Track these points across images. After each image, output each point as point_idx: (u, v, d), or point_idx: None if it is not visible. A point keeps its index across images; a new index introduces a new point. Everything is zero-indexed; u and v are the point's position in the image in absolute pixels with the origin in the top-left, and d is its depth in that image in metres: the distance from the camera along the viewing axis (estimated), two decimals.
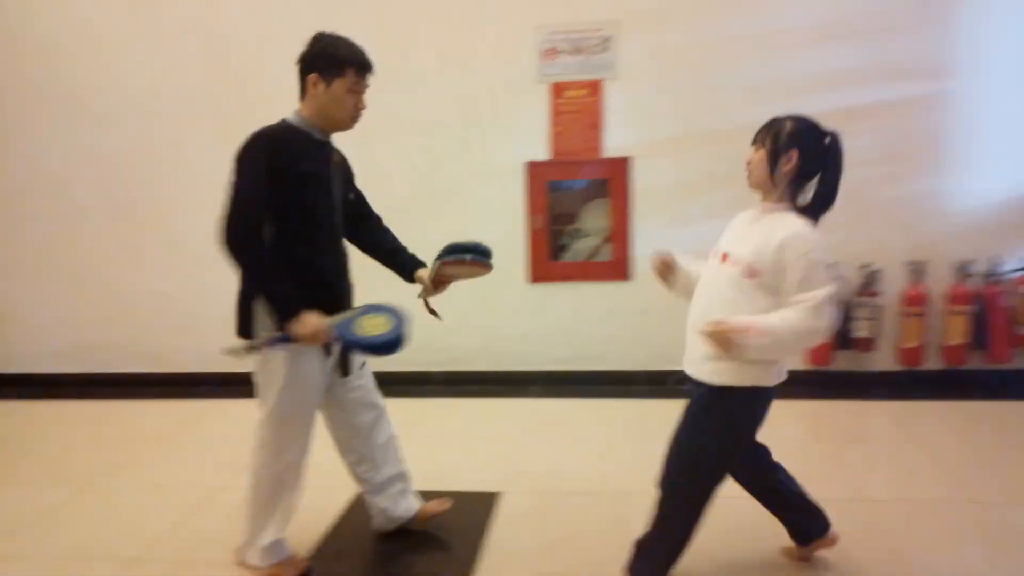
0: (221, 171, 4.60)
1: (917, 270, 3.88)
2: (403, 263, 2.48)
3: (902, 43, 3.78)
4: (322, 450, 3.50)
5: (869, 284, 3.91)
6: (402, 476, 2.57)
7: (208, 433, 3.77)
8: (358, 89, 2.17)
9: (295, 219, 2.12)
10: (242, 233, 2.04)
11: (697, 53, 3.93)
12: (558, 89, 4.06)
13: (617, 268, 4.15)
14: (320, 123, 2.19)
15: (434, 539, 2.60)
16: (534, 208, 4.17)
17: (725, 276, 1.96)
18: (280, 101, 4.14)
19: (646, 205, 4.09)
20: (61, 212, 4.48)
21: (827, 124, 4.21)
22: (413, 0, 4.08)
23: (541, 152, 4.11)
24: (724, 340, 1.82)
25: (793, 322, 1.80)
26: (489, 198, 4.16)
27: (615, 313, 4.19)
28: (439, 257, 2.29)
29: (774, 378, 1.98)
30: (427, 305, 2.41)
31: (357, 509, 2.81)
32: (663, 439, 3.38)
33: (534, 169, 4.14)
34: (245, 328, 2.17)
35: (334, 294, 2.25)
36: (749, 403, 1.98)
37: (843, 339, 3.96)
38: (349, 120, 2.21)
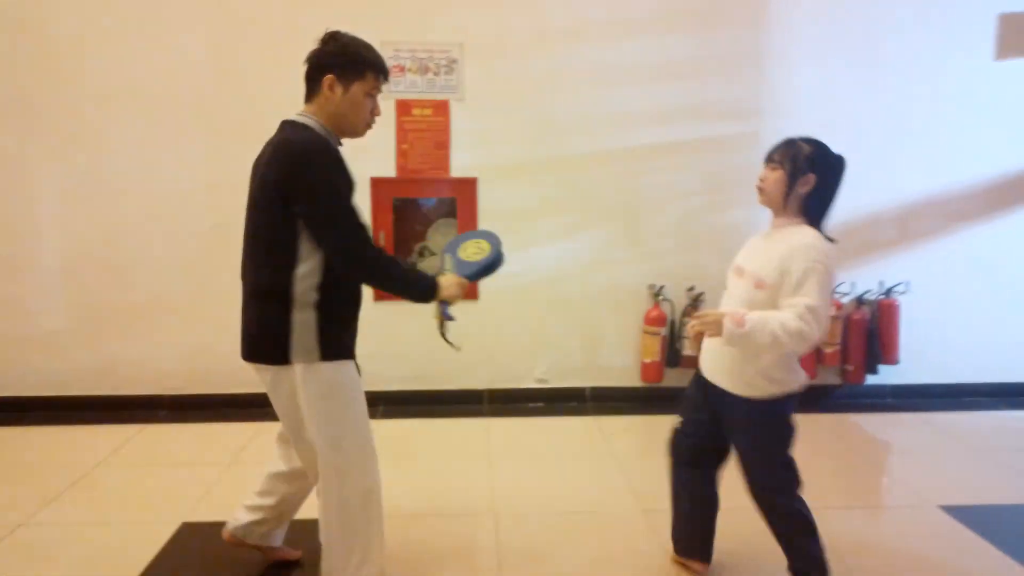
0: (28, 173, 4.17)
1: None
2: None
3: (720, 87, 4.13)
4: (146, 477, 3.21)
5: (695, 305, 4.20)
6: (292, 511, 2.44)
7: (9, 464, 3.33)
8: (375, 94, 2.07)
9: None
10: (369, 250, 1.98)
11: (537, 83, 4.06)
12: (404, 106, 4.04)
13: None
14: (333, 129, 2.06)
15: (268, 568, 2.45)
16: (379, 225, 4.11)
17: (739, 289, 2.12)
18: (103, 101, 3.85)
19: (492, 225, 4.13)
20: None
21: (657, 156, 4.49)
22: (258, 5, 3.91)
23: (387, 169, 4.07)
24: (712, 325, 1.95)
25: (774, 322, 1.91)
26: None
27: (461, 332, 4.19)
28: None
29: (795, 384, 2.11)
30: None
31: (180, 541, 2.61)
32: (508, 457, 3.44)
33: (379, 185, 4.08)
34: (283, 349, 1.99)
35: (358, 311, 2.16)
36: (791, 403, 2.14)
37: (672, 357, 4.22)
38: (364, 126, 2.10)
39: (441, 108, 4.05)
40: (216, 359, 4.08)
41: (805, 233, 2.05)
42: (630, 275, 4.23)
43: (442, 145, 4.08)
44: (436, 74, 4.02)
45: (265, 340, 2.01)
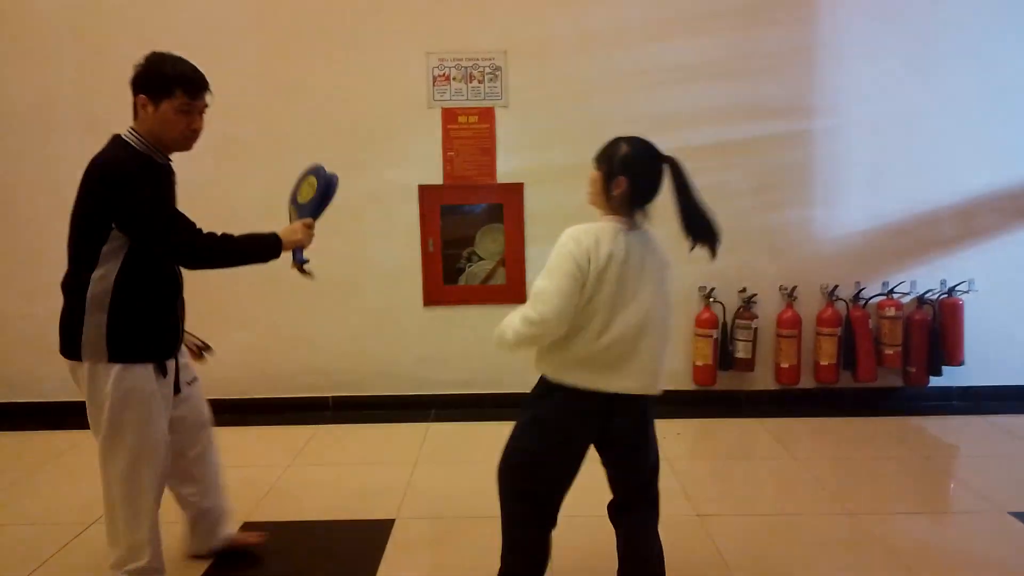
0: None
1: (789, 294, 4.15)
2: None
3: (769, 85, 4.06)
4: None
5: (747, 307, 4.13)
6: (224, 505, 2.55)
7: (77, 466, 3.48)
8: (189, 110, 2.10)
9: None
10: (195, 237, 2.10)
11: (581, 86, 4.06)
12: (450, 115, 4.09)
13: (512, 291, 4.19)
14: (155, 144, 2.13)
15: (324, 569, 2.51)
16: (427, 232, 4.16)
17: None
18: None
19: (539, 230, 4.17)
20: None
21: (705, 157, 4.43)
22: (307, 18, 4.02)
23: (435, 176, 4.12)
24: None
25: (515, 318, 1.90)
26: (383, 220, 4.12)
27: None
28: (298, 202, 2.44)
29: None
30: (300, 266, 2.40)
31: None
32: None
33: (427, 193, 4.14)
34: (74, 346, 2.10)
35: (172, 311, 2.23)
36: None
37: (725, 360, 4.16)
38: (182, 140, 2.15)
39: (486, 115, 4.09)
40: (280, 363, 4.19)
41: (578, 226, 2.02)
42: (679, 277, 4.13)
43: (488, 151, 4.11)
44: (480, 82, 4.06)
45: (65, 336, 2.13)
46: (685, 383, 4.25)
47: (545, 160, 4.14)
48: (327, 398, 4.25)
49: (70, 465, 3.52)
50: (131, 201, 2.02)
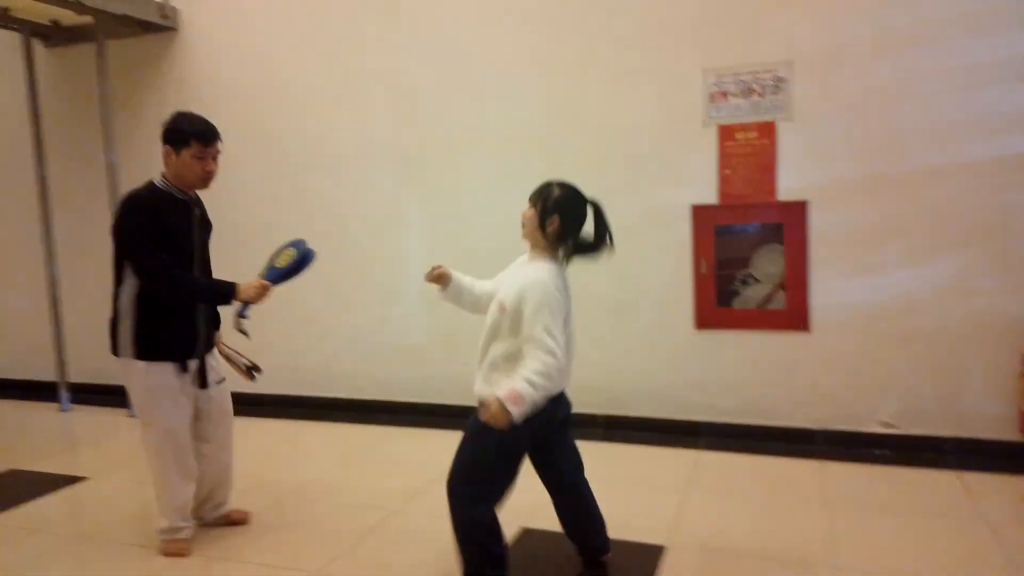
0: (404, 214, 4.94)
1: None
2: None
3: None
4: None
5: None
6: (226, 484, 3.04)
7: (384, 458, 3.97)
8: (203, 156, 2.63)
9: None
10: (159, 271, 2.59)
11: (879, 91, 3.68)
12: (727, 132, 3.96)
13: (793, 317, 3.91)
14: (179, 184, 2.68)
15: None
16: (700, 252, 4.07)
17: (491, 312, 2.35)
18: (461, 149, 4.45)
19: (825, 251, 3.85)
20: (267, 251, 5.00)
21: None
22: (582, 42, 4.18)
23: (709, 195, 4.01)
24: (498, 417, 2.11)
25: (533, 371, 2.13)
26: (655, 240, 4.11)
27: (790, 365, 3.95)
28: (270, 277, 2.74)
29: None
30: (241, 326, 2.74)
31: (520, 544, 2.85)
32: (847, 505, 3.12)
33: (700, 213, 4.04)
34: (115, 345, 2.71)
35: (189, 322, 2.73)
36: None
37: None
38: (199, 181, 2.68)
39: (766, 129, 3.89)
40: None
41: (539, 269, 2.29)
42: (1003, 306, 3.58)
43: (767, 168, 3.91)
44: (761, 95, 3.88)
45: (110, 338, 2.72)
46: (1008, 431, 3.60)
47: (833, 176, 3.82)
48: (597, 416, 4.33)
49: (380, 456, 4.02)
50: (128, 229, 2.60)
